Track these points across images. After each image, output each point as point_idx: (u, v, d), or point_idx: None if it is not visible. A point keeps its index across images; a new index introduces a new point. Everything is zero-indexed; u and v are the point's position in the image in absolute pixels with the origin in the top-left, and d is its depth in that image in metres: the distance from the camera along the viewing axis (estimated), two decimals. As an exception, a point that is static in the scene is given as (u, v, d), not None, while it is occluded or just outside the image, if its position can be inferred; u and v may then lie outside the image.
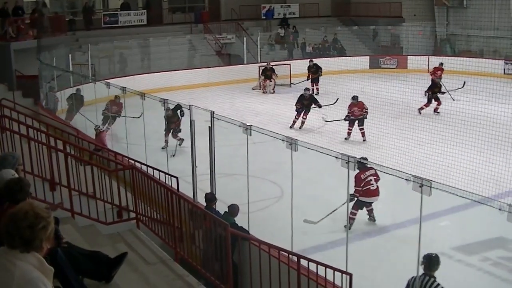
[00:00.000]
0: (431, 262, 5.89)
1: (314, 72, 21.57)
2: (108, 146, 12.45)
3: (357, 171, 8.66)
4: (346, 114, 14.74)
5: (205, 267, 6.63)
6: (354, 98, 14.69)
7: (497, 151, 11.90)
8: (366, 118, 14.55)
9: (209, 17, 28.66)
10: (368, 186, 9.28)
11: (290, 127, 15.90)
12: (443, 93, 17.62)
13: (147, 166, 9.14)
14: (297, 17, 29.98)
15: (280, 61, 24.35)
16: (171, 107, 12.55)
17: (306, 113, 16.04)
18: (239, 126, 7.93)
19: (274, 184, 11.37)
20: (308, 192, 9.77)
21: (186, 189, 8.67)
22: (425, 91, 17.98)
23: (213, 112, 8.39)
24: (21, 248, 2.58)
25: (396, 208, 9.56)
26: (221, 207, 8.07)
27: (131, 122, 13.50)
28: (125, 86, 12.59)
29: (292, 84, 22.57)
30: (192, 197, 8.62)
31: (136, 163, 9.15)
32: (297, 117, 16.08)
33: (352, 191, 8.80)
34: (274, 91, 21.95)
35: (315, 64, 21.73)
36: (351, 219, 9.21)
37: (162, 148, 13.45)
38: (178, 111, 13.15)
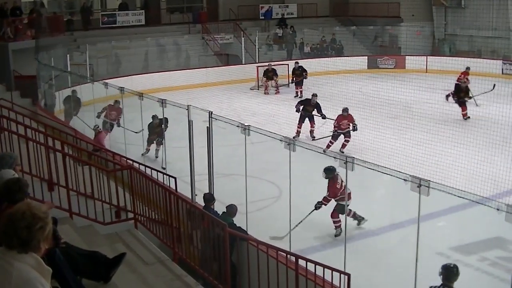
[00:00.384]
0: (449, 273, 5.72)
1: (299, 75, 21.11)
2: (106, 146, 12.43)
3: (341, 180, 8.67)
4: (333, 127, 13.71)
5: (203, 267, 6.63)
6: (345, 110, 13.60)
7: (495, 151, 11.93)
8: (356, 130, 13.57)
9: (207, 17, 28.62)
10: (345, 190, 8.53)
11: (294, 137, 13.97)
12: (470, 97, 17.02)
13: (145, 166, 9.14)
14: (295, 17, 29.97)
15: (278, 61, 24.32)
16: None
17: (312, 122, 15.12)
18: (237, 126, 7.94)
19: (272, 184, 11.36)
20: (306, 192, 9.76)
21: (184, 190, 8.67)
22: (447, 96, 17.64)
23: (211, 112, 8.39)
24: (19, 249, 2.57)
25: (394, 208, 9.55)
26: (219, 207, 8.07)
27: (130, 123, 13.53)
28: (123, 86, 12.60)
29: (289, 84, 22.54)
30: (190, 197, 8.61)
31: (134, 163, 9.14)
32: (299, 126, 15.10)
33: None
34: (279, 91, 21.87)
35: (300, 67, 21.25)
36: (337, 227, 9.19)
37: (142, 154, 13.25)
38: (162, 125, 12.57)
